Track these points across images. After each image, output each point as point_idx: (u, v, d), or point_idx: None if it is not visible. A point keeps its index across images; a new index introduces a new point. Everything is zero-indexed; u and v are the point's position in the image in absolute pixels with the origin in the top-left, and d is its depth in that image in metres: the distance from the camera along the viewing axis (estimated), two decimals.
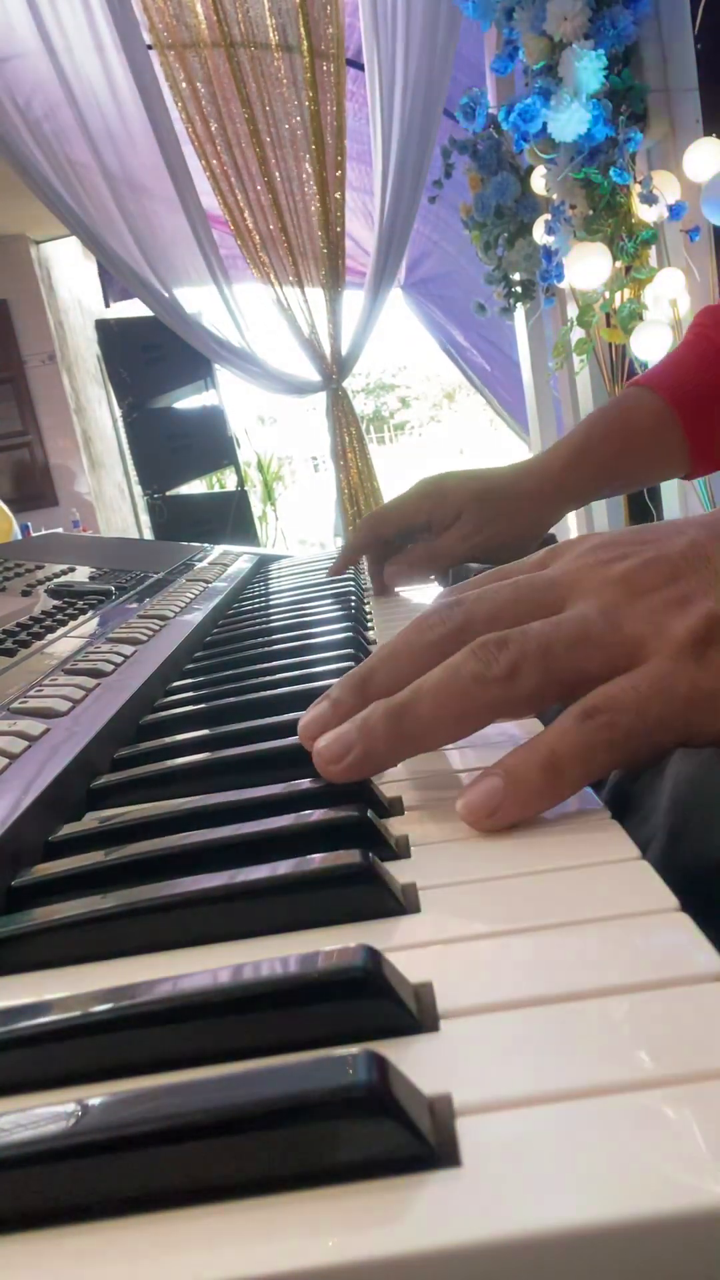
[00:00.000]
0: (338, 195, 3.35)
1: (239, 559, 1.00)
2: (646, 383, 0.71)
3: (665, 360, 0.73)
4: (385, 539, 0.72)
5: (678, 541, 0.30)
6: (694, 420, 0.69)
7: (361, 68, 3.12)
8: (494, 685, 0.28)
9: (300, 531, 6.70)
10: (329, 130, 3.27)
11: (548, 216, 2.33)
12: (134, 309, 4.20)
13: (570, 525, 3.02)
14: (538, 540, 0.70)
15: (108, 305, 4.58)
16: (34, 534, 2.51)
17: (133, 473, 4.82)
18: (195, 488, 4.90)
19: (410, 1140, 0.15)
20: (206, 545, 1.10)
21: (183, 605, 0.69)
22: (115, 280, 4.08)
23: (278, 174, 3.35)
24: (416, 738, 0.29)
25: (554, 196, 2.20)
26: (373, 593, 0.75)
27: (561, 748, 0.26)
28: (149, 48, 3.08)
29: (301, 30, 3.12)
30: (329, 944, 0.20)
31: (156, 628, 0.60)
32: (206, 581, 0.83)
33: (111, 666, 0.49)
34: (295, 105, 3.25)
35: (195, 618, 0.65)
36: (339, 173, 3.32)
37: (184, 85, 3.21)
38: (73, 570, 0.86)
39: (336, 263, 3.45)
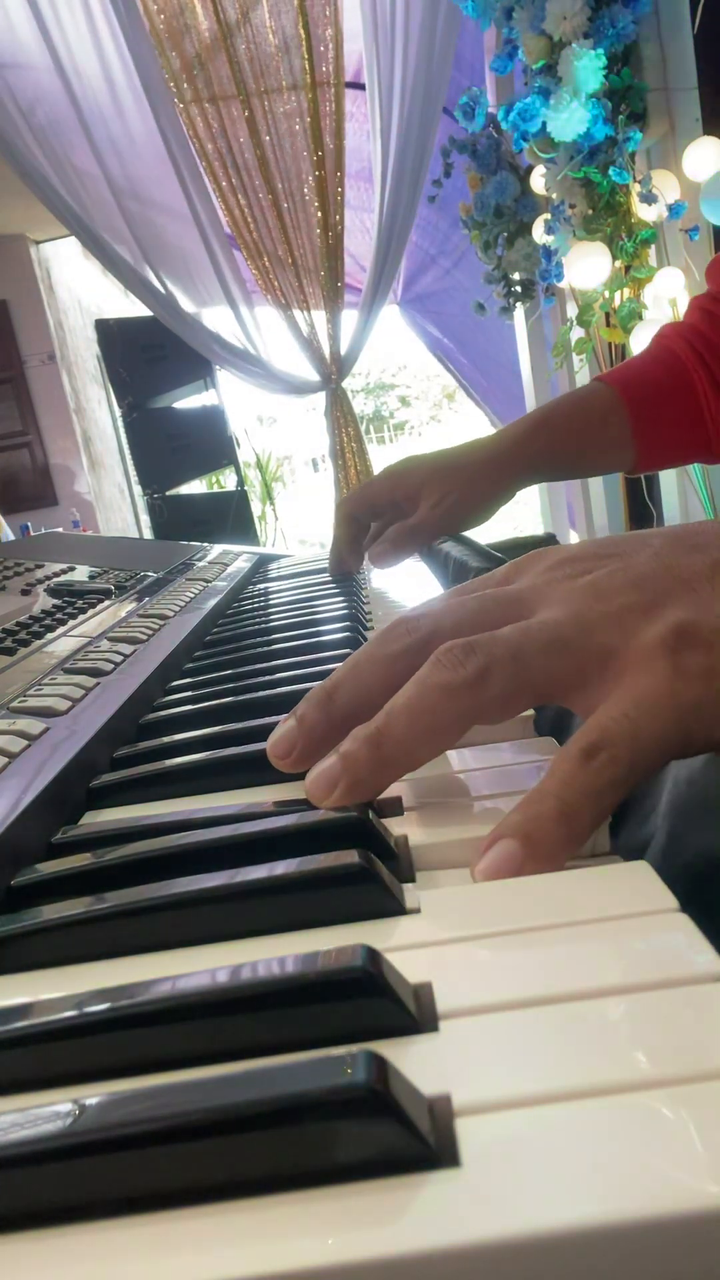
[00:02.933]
0: (338, 190, 3.36)
1: (238, 558, 1.00)
2: (603, 378, 0.77)
3: (625, 362, 0.81)
4: (363, 526, 0.78)
5: (642, 553, 0.30)
6: (640, 414, 0.74)
7: (362, 87, 3.13)
8: (462, 693, 0.27)
9: (300, 531, 6.70)
10: (328, 131, 3.27)
11: (547, 216, 2.33)
12: (134, 309, 4.20)
13: (571, 536, 3.02)
14: (496, 507, 0.75)
15: None
16: (33, 534, 2.51)
17: (132, 473, 4.82)
18: (195, 488, 4.90)
19: (410, 1140, 0.15)
20: (206, 545, 1.10)
21: (182, 604, 0.69)
22: None
23: (277, 173, 3.36)
24: (398, 760, 0.28)
25: (553, 196, 2.20)
26: (333, 570, 0.79)
27: (570, 795, 0.25)
28: (171, 101, 3.11)
29: (302, 44, 3.13)
30: (328, 944, 0.20)
31: (156, 627, 0.60)
32: (206, 581, 0.83)
33: (111, 666, 0.49)
34: (295, 108, 3.27)
35: (195, 617, 0.65)
36: (339, 172, 3.32)
37: (190, 101, 3.23)
38: (72, 569, 0.86)
39: (336, 261, 3.46)
